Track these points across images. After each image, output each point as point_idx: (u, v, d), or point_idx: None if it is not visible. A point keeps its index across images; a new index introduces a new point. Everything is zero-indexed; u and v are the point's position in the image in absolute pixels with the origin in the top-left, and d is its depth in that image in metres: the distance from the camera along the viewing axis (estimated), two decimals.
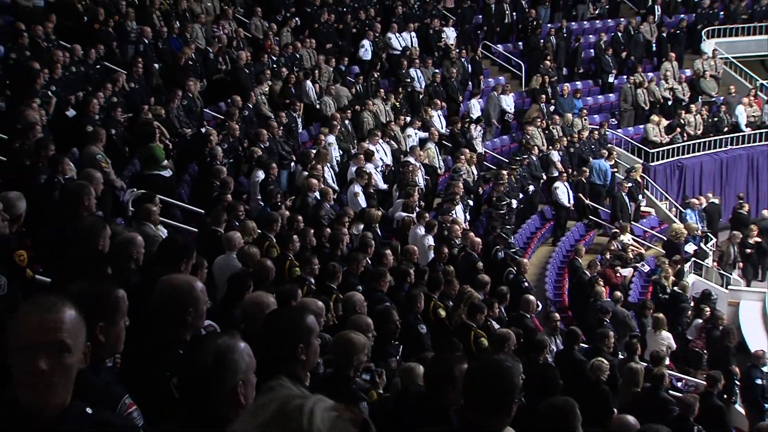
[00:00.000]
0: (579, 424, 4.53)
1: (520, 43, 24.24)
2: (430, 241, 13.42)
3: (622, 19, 25.85)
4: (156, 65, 15.88)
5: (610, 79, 24.14)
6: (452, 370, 4.62)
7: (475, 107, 21.00)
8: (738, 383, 14.59)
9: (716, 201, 21.98)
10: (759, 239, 19.54)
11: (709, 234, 20.74)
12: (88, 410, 2.69)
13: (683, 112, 23.64)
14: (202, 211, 12.04)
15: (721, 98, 24.64)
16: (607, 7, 26.56)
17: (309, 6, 20.93)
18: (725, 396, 13.00)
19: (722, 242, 20.00)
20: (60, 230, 6.71)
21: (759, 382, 13.89)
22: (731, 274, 19.14)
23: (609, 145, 21.68)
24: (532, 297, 12.42)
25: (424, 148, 17.70)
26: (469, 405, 3.45)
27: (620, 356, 12.14)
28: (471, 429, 3.38)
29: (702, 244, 19.71)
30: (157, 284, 4.29)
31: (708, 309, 16.11)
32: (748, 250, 19.43)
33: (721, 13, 26.84)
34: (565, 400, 4.67)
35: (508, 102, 21.51)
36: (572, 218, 19.61)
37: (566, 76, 23.78)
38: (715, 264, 19.63)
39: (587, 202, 19.46)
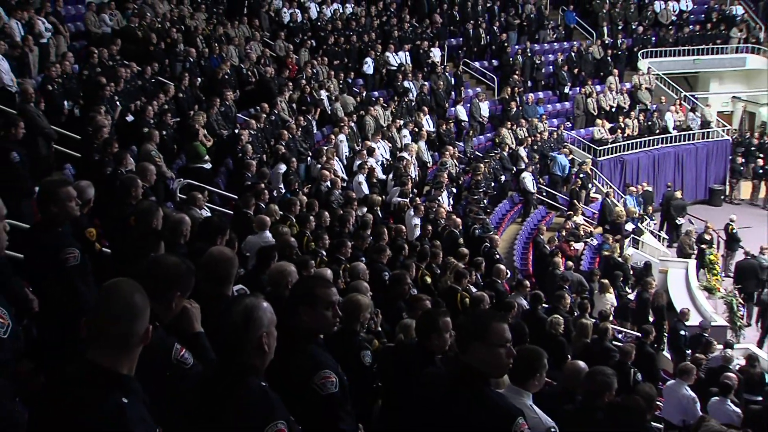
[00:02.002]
0: (544, 367, 4.55)
1: (493, 61, 24.14)
2: (418, 221, 13.40)
3: (575, 42, 25.82)
4: (199, 79, 15.82)
5: (566, 90, 24.16)
6: (437, 321, 4.64)
7: (462, 112, 21.05)
8: (666, 335, 14.67)
9: (650, 189, 22.14)
10: (711, 235, 19.56)
11: (644, 215, 20.82)
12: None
13: (624, 117, 23.72)
14: (235, 197, 12.01)
15: (654, 106, 24.74)
16: (563, 32, 26.51)
17: (322, 31, 20.89)
18: (655, 345, 13.06)
19: (682, 237, 19.97)
20: (122, 212, 6.72)
21: (683, 333, 13.97)
22: (690, 258, 19.15)
23: (565, 143, 21.73)
24: (502, 266, 12.42)
25: (415, 146, 17.68)
26: (463, 349, 3.43)
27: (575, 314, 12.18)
28: (465, 369, 3.37)
29: (639, 224, 19.76)
30: (206, 254, 4.30)
31: (647, 277, 16.23)
32: (703, 246, 19.37)
33: (653, 38, 26.91)
34: (536, 349, 4.68)
35: (483, 108, 21.49)
36: (536, 203, 19.60)
37: (530, 88, 23.73)
38: (687, 243, 19.63)
39: (580, 205, 19.40)
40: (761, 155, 25.07)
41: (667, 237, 20.63)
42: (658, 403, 9.46)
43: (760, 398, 10.49)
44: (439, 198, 15.58)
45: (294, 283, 4.27)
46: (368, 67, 20.59)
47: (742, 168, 25.10)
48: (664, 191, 22.19)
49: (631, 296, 16.14)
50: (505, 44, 24.04)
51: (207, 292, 3.95)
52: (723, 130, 25.27)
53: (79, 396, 2.48)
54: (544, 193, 20.03)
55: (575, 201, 19.31)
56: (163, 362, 3.17)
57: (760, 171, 24.73)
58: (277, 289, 5.21)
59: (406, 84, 20.33)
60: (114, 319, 2.55)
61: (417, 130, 18.61)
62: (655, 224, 21.14)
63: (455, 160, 18.29)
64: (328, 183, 13.48)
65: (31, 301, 4.62)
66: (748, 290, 17.25)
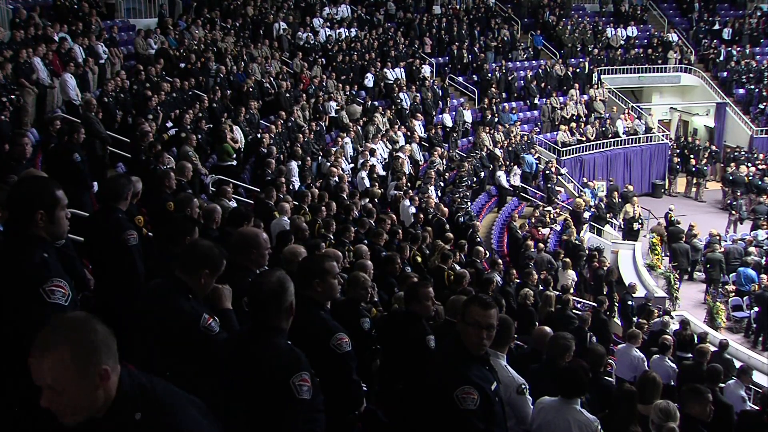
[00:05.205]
0: (513, 333, 4.56)
1: (474, 76, 24.06)
2: (412, 210, 13.39)
3: (542, 61, 25.72)
4: (228, 91, 15.79)
5: (535, 101, 24.05)
6: (417, 292, 4.66)
7: (447, 119, 20.97)
8: (617, 304, 14.69)
9: (603, 184, 22.09)
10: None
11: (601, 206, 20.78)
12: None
13: (583, 124, 23.67)
14: (258, 189, 11.96)
15: (607, 115, 24.72)
16: (532, 53, 26.42)
17: (331, 51, 20.82)
18: (608, 313, 13.07)
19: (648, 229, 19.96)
20: (159, 201, 6.71)
21: (630, 303, 13.99)
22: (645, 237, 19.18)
23: (535, 146, 21.71)
24: (482, 248, 12.37)
25: (408, 147, 17.62)
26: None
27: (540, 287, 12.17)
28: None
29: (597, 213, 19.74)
30: (234, 234, 4.28)
31: (599, 256, 16.24)
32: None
33: (606, 58, 26.96)
34: (507, 319, 4.68)
35: (466, 116, 21.43)
36: (510, 195, 19.55)
37: (505, 98, 23.62)
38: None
39: (575, 211, 19.19)
40: (693, 156, 25.28)
41: (618, 223, 20.59)
42: (610, 361, 9.50)
43: (690, 355, 10.56)
44: (429, 191, 15.54)
45: (303, 261, 4.24)
46: (369, 81, 20.51)
47: (678, 166, 25.38)
48: (608, 185, 22.31)
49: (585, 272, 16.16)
50: (483, 62, 23.95)
51: (236, 266, 3.94)
52: (663, 135, 25.36)
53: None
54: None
55: (571, 211, 19.21)
56: (192, 328, 3.18)
57: (693, 169, 24.86)
58: (290, 266, 5.20)
59: (401, 95, 20.26)
60: None
61: (410, 133, 18.56)
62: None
63: (442, 159, 18.25)
64: (336, 178, 13.45)
65: (88, 281, 4.62)
66: (671, 244, 17.57)
